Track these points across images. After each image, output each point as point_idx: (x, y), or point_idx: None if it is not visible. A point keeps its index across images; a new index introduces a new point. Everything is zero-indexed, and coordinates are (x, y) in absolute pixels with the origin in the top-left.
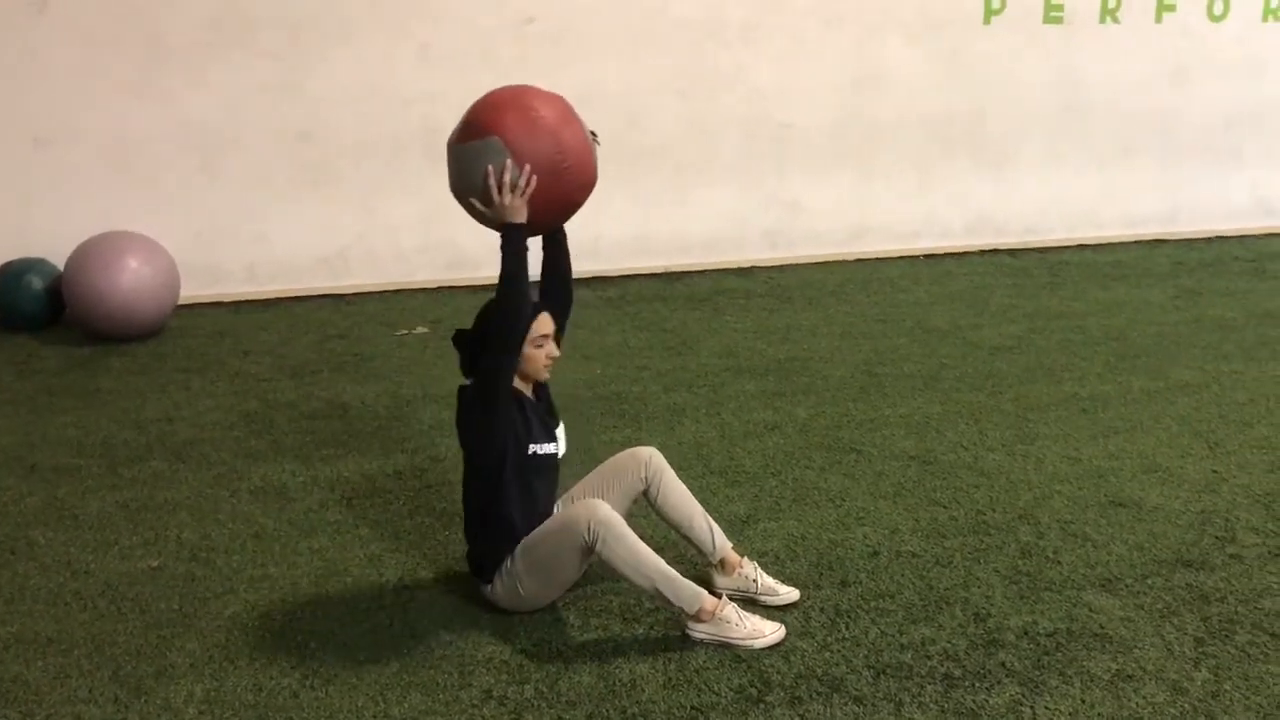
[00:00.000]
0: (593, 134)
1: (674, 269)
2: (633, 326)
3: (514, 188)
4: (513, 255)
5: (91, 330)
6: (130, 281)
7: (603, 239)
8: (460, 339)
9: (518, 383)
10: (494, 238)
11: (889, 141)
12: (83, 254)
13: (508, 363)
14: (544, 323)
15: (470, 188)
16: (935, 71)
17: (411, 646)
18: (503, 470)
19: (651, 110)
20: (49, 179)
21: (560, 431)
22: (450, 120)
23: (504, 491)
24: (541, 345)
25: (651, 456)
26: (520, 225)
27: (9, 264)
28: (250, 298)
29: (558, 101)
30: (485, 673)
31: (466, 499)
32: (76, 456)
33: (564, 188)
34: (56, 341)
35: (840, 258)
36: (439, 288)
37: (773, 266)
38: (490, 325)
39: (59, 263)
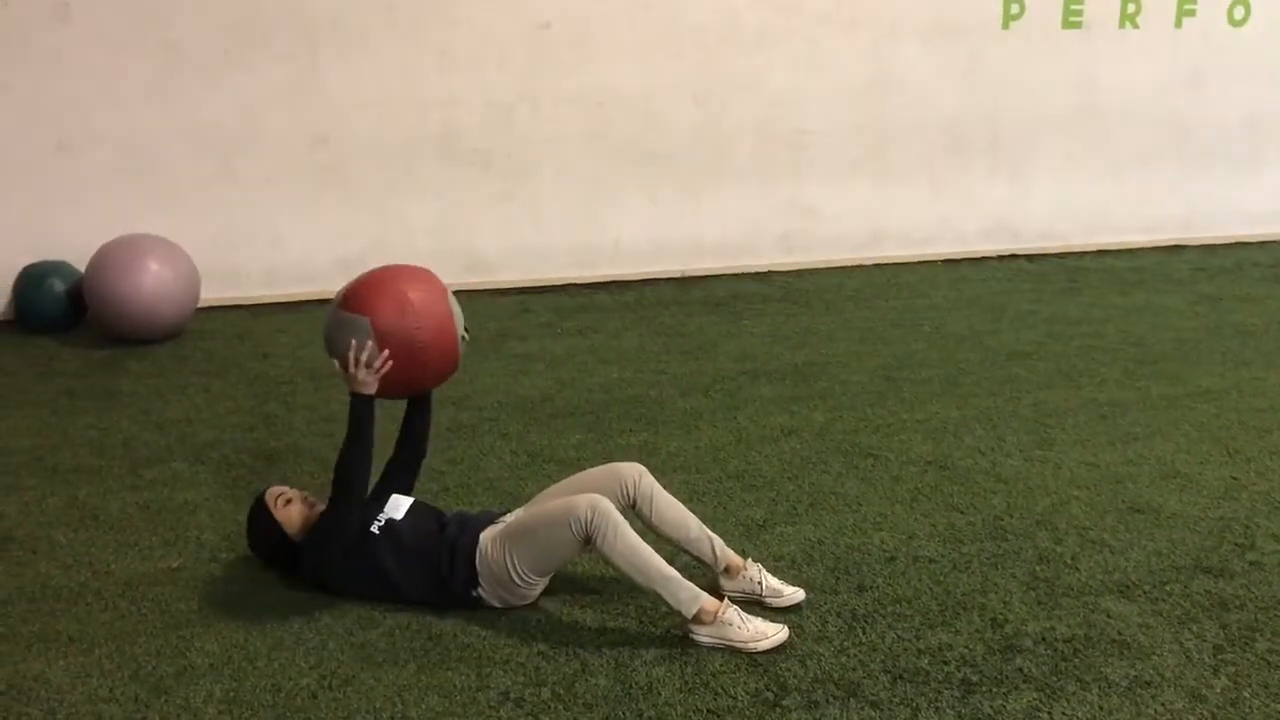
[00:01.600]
0: (464, 335)
1: (690, 273)
2: (649, 331)
3: (369, 365)
4: (355, 419)
5: (112, 332)
6: (151, 284)
7: (619, 243)
8: (267, 561)
9: (308, 526)
10: (511, 243)
11: (906, 146)
12: (103, 257)
13: (347, 514)
14: (273, 494)
15: (333, 350)
16: (952, 76)
17: (429, 648)
18: (373, 564)
19: (667, 114)
20: (70, 182)
21: (391, 502)
22: (469, 124)
23: (390, 564)
24: (288, 503)
25: (641, 477)
26: (368, 397)
27: (31, 267)
28: (269, 300)
29: (437, 295)
30: (503, 674)
31: (392, 594)
32: (97, 457)
33: (420, 371)
34: (77, 344)
35: (857, 262)
36: (456, 291)
37: (789, 271)
38: (335, 480)
39: (80, 265)
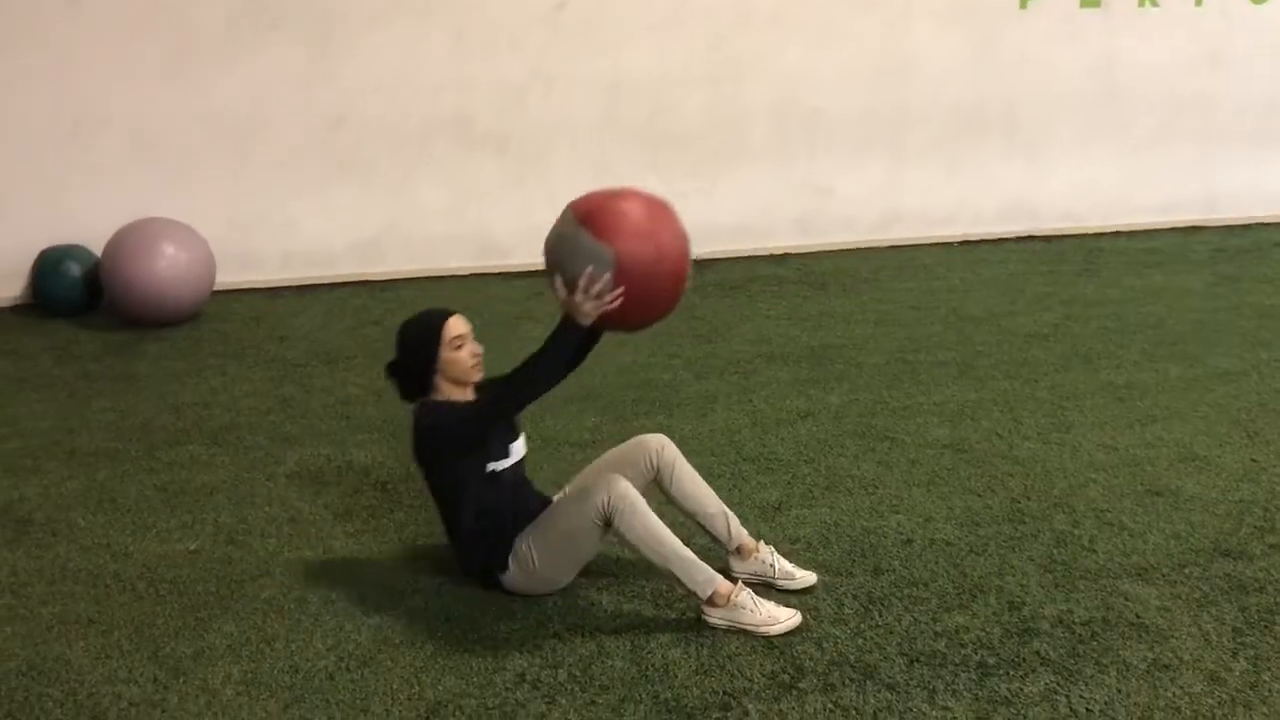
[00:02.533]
0: (690, 281)
1: (705, 256)
2: None
3: (598, 297)
4: (557, 344)
5: (129, 316)
6: (167, 268)
7: None
8: (393, 370)
9: (456, 393)
10: (525, 226)
11: (922, 127)
12: (120, 240)
13: (486, 426)
14: (455, 325)
15: (562, 268)
16: (969, 56)
17: (446, 630)
18: (462, 493)
19: (681, 96)
20: (85, 166)
21: (519, 443)
22: (482, 107)
23: (468, 508)
24: (460, 347)
25: (663, 447)
26: (580, 326)
27: (47, 251)
28: (285, 284)
29: (684, 241)
30: (519, 656)
31: (443, 516)
32: (115, 440)
33: (638, 318)
34: (94, 327)
35: (873, 244)
36: (471, 274)
37: (805, 253)
38: (507, 386)
39: (96, 249)
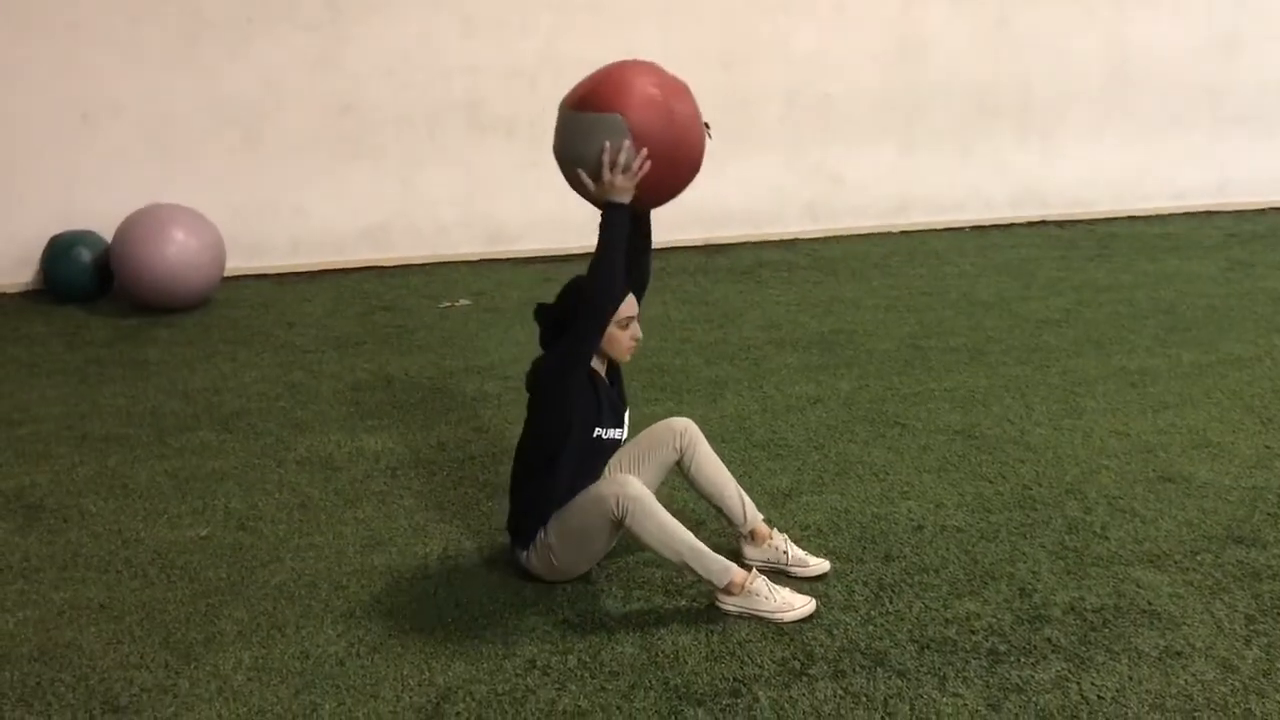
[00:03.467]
0: (706, 125)
1: (715, 241)
2: (674, 299)
3: (626, 169)
4: (612, 233)
5: (139, 302)
6: (177, 254)
7: None
8: (542, 313)
9: (595, 363)
10: (534, 212)
11: (934, 112)
12: (130, 227)
13: (592, 341)
14: (630, 304)
15: (580, 159)
16: (982, 41)
17: (456, 616)
18: (564, 446)
19: (692, 80)
20: (95, 153)
21: (626, 418)
22: (492, 92)
23: (560, 466)
24: (626, 326)
25: (687, 428)
26: (624, 205)
27: (58, 237)
28: (294, 270)
29: (680, 85)
30: (529, 642)
31: (519, 461)
32: (126, 426)
33: (673, 174)
34: (105, 313)
35: (884, 230)
36: (480, 260)
37: (815, 239)
38: (582, 301)
39: (107, 235)
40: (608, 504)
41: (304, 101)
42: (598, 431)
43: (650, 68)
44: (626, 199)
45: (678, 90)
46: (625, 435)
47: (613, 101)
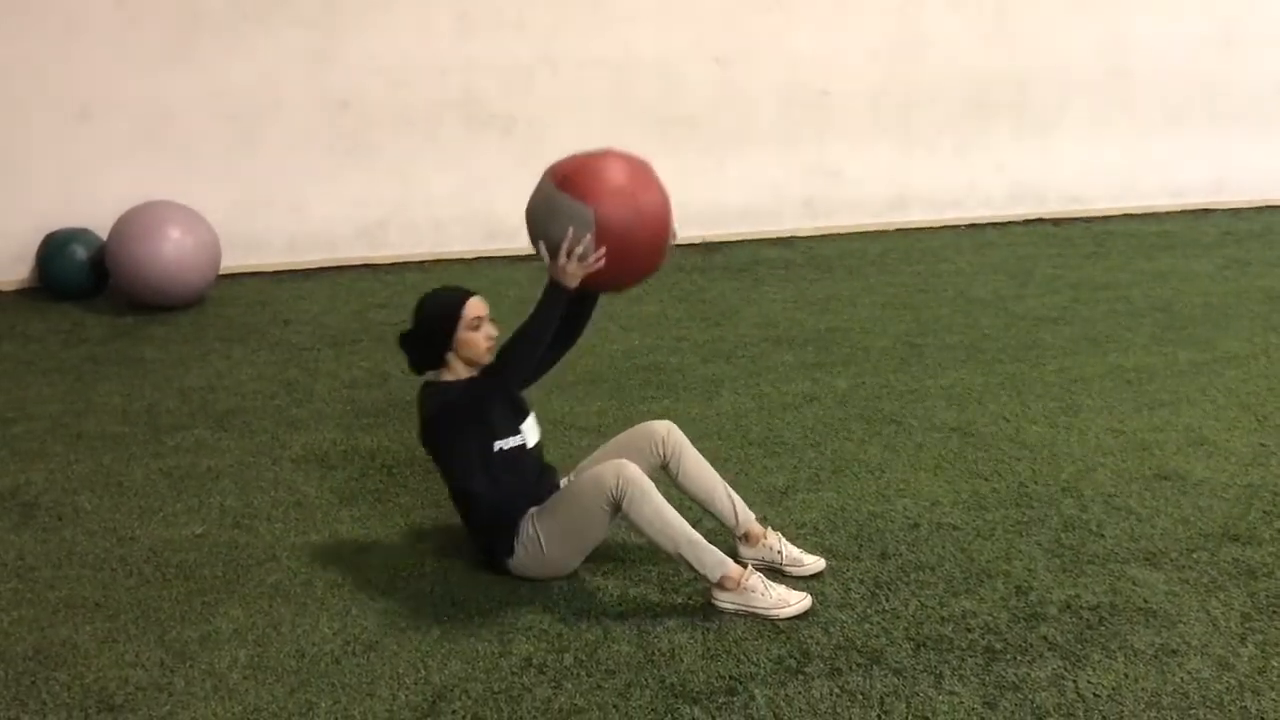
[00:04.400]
0: (674, 237)
1: (712, 239)
2: (671, 297)
3: (581, 259)
4: (546, 307)
5: (135, 299)
6: (172, 251)
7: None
8: (405, 341)
9: (464, 374)
10: None
11: (931, 109)
12: (125, 224)
13: (494, 389)
14: (476, 306)
15: (545, 234)
16: (978, 37)
17: (452, 614)
18: (472, 475)
19: (689, 77)
20: (91, 150)
21: (529, 423)
22: (489, 88)
23: (480, 488)
24: (477, 327)
25: (669, 432)
26: (567, 288)
27: (53, 234)
28: (290, 267)
29: (663, 207)
30: (525, 641)
31: (456, 502)
32: (121, 424)
33: (621, 278)
34: (100, 310)
35: (881, 227)
36: (477, 258)
37: (812, 236)
38: (499, 359)
39: (102, 233)
40: (606, 484)
41: (301, 99)
42: (498, 445)
43: (645, 176)
44: (572, 284)
45: (658, 208)
46: (532, 441)
47: (592, 195)
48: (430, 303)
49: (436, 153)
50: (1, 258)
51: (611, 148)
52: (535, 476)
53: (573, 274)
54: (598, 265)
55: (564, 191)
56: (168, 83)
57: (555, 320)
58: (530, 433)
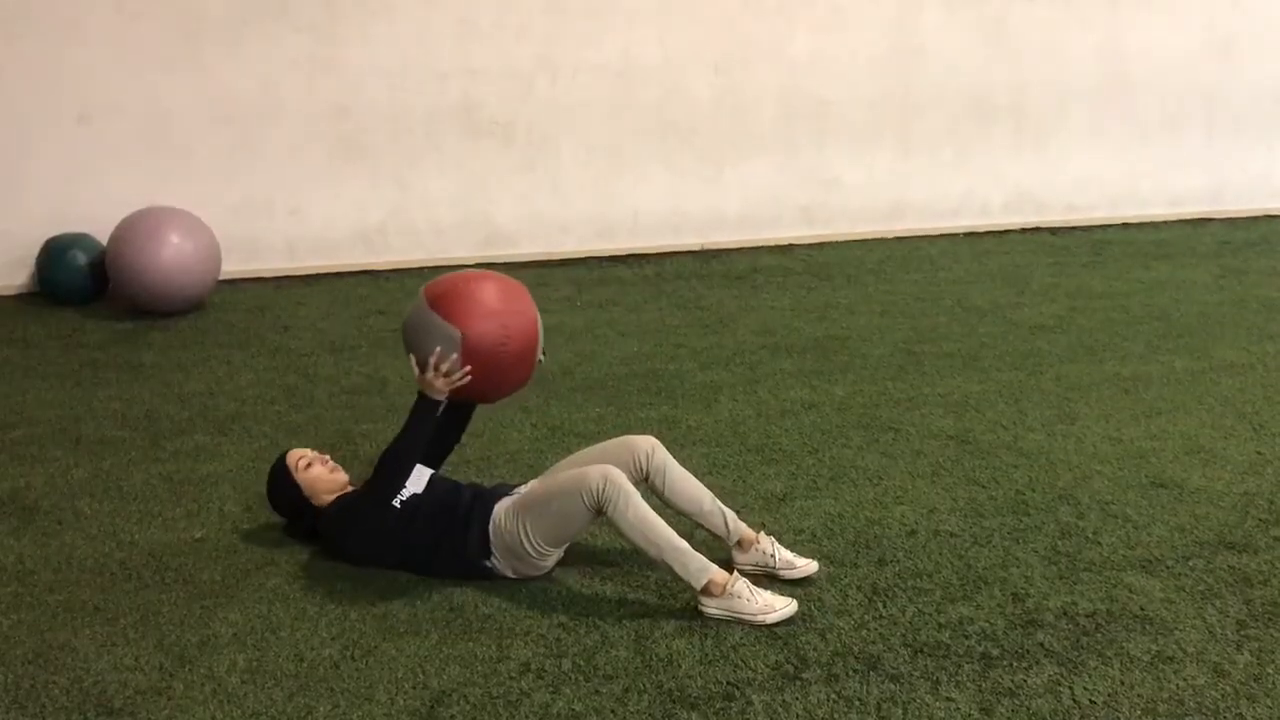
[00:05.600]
0: (541, 358)
1: (710, 246)
2: (669, 304)
3: (447, 375)
4: (416, 419)
5: (134, 305)
6: (172, 256)
7: (639, 215)
8: (288, 529)
9: (334, 496)
10: (530, 215)
11: (929, 117)
12: (125, 229)
13: (379, 503)
14: (294, 455)
15: (415, 348)
16: (977, 45)
17: (450, 619)
18: (391, 539)
19: (687, 84)
20: (91, 154)
21: (419, 472)
22: (488, 94)
23: (407, 543)
24: (309, 465)
25: (653, 450)
26: (435, 402)
27: (53, 239)
28: (290, 273)
29: (531, 321)
30: (523, 646)
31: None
32: (120, 429)
33: (487, 392)
34: (100, 316)
35: (879, 235)
36: (476, 264)
37: (811, 244)
38: (377, 470)
39: (102, 238)
40: (591, 488)
41: (300, 104)
42: (397, 501)
43: (515, 298)
44: (439, 399)
45: (524, 330)
46: (427, 471)
47: (460, 318)
48: (269, 488)
49: (436, 158)
50: (1, 263)
51: (487, 271)
52: (454, 494)
53: (439, 388)
54: (463, 382)
55: (434, 312)
56: (168, 87)
57: (427, 432)
58: (416, 481)
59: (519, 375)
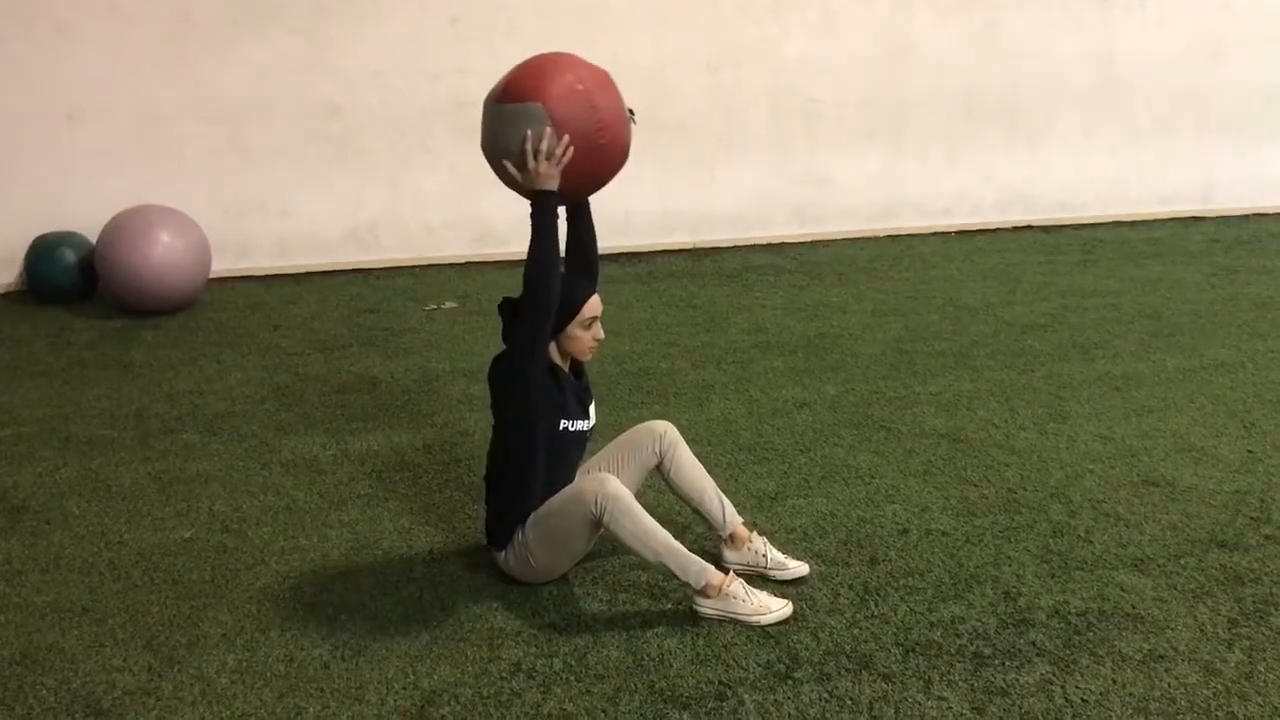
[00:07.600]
0: (630, 111)
1: (703, 245)
2: (661, 303)
3: (550, 155)
4: (543, 221)
5: (124, 303)
6: (162, 255)
7: (631, 215)
8: (505, 305)
9: (558, 359)
10: (522, 213)
11: (920, 116)
12: (115, 228)
13: (539, 328)
14: (594, 304)
15: (504, 150)
16: (969, 45)
17: (441, 619)
18: (532, 441)
19: (680, 84)
20: (80, 153)
21: (592, 409)
22: (479, 93)
23: (530, 461)
24: (589, 326)
25: (666, 430)
26: (551, 192)
27: (42, 237)
28: (280, 272)
29: (600, 74)
30: (514, 645)
31: (491, 465)
32: (109, 428)
33: (598, 161)
34: (89, 314)
35: (871, 234)
36: (467, 263)
37: (802, 243)
38: (525, 290)
39: (92, 236)
40: (586, 501)
41: (291, 103)
42: (564, 424)
43: (570, 60)
44: (553, 185)
45: (599, 80)
46: (593, 425)
47: (532, 92)
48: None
49: (427, 157)
50: None
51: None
52: (576, 465)
53: (547, 173)
54: (569, 155)
55: (505, 102)
56: (158, 86)
57: (555, 236)
58: (593, 417)
59: (616, 133)
